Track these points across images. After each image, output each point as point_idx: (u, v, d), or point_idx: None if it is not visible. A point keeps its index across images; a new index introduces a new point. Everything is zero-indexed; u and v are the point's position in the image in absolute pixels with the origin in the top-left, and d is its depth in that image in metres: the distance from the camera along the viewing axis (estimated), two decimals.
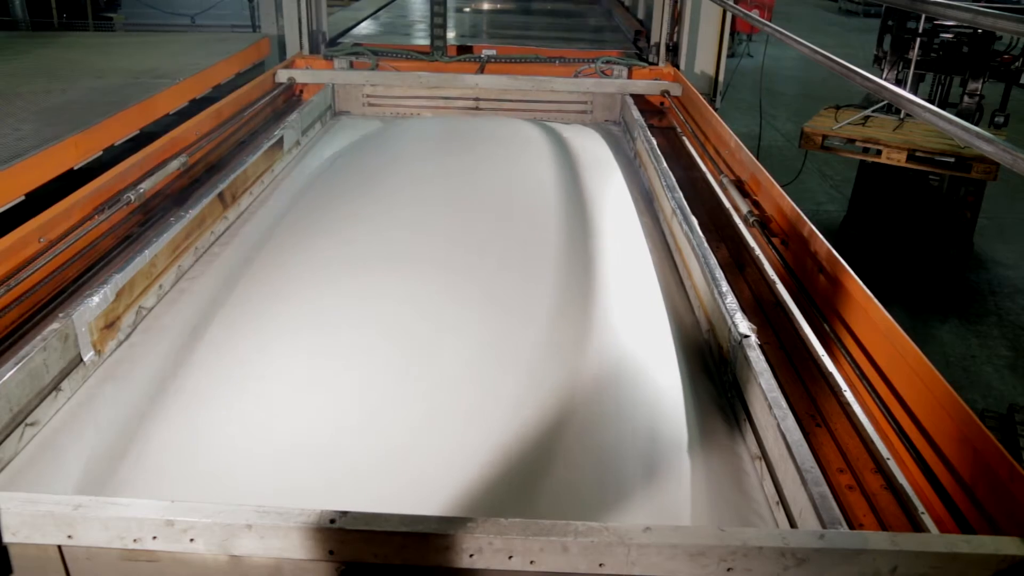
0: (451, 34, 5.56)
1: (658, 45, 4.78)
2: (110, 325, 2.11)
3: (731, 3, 4.36)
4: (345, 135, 4.10)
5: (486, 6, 8.23)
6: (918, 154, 5.68)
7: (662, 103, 4.45)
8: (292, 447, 1.71)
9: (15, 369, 1.71)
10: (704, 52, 5.46)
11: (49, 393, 1.84)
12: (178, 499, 1.24)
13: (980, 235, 6.76)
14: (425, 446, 1.71)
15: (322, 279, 2.39)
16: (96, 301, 2.02)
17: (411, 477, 1.62)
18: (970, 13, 1.90)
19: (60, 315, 1.93)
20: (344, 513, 1.21)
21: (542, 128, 4.11)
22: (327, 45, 4.92)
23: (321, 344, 2.06)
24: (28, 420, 1.77)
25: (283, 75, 4.45)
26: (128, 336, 2.19)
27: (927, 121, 1.89)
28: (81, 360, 1.97)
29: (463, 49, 4.95)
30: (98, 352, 2.04)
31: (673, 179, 2.98)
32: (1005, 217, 7.40)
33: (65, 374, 1.91)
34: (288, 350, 2.06)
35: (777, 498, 1.60)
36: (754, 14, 4.38)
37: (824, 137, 6.01)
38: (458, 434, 1.73)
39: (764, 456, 1.69)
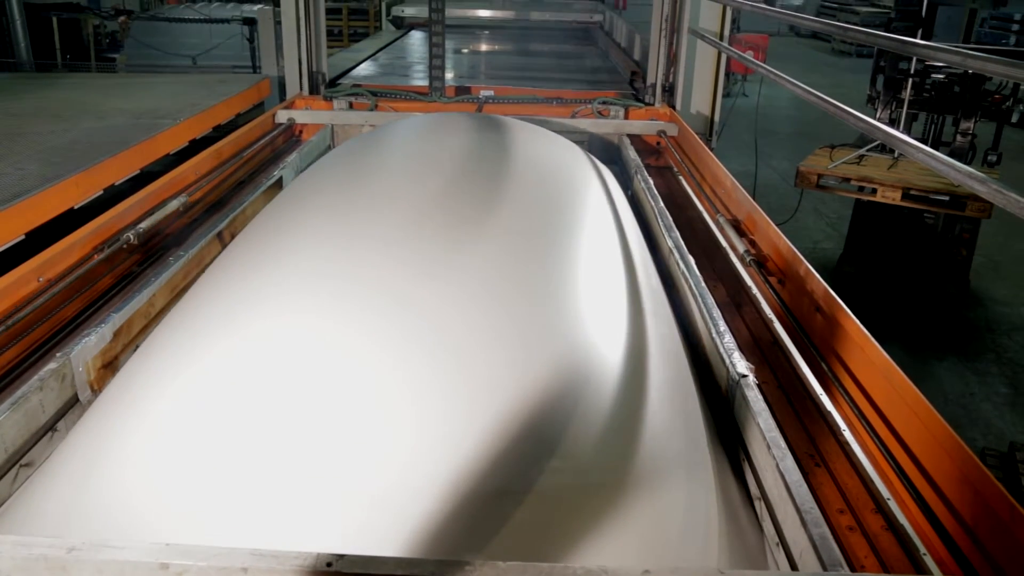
0: (449, 75, 5.63)
1: (654, 86, 4.85)
2: (107, 365, 2.10)
3: (725, 45, 4.43)
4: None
5: (484, 48, 8.35)
6: (913, 192, 5.73)
7: (659, 143, 4.49)
8: (292, 487, 1.69)
9: (11, 410, 1.71)
10: (700, 92, 5.54)
11: (45, 434, 1.84)
12: (173, 542, 1.23)
13: (976, 273, 6.79)
14: (417, 481, 1.67)
15: (312, 317, 2.30)
16: (94, 340, 2.02)
17: (403, 513, 1.59)
18: (959, 56, 1.93)
19: (57, 354, 1.93)
20: (340, 556, 1.20)
21: (542, 139, 3.77)
22: (327, 86, 4.98)
23: (317, 382, 2.03)
24: (23, 461, 1.76)
25: (283, 115, 4.50)
26: None
27: (920, 161, 1.91)
28: (78, 400, 1.96)
29: (461, 90, 5.01)
30: (95, 392, 2.03)
31: (670, 219, 3.00)
32: (1000, 255, 7.44)
33: (61, 414, 1.90)
34: (284, 389, 2.04)
35: (777, 539, 1.59)
36: (748, 55, 4.45)
37: (819, 176, 6.07)
38: (450, 468, 1.70)
39: (763, 496, 1.68)
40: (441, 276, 2.24)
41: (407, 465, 1.73)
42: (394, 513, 1.60)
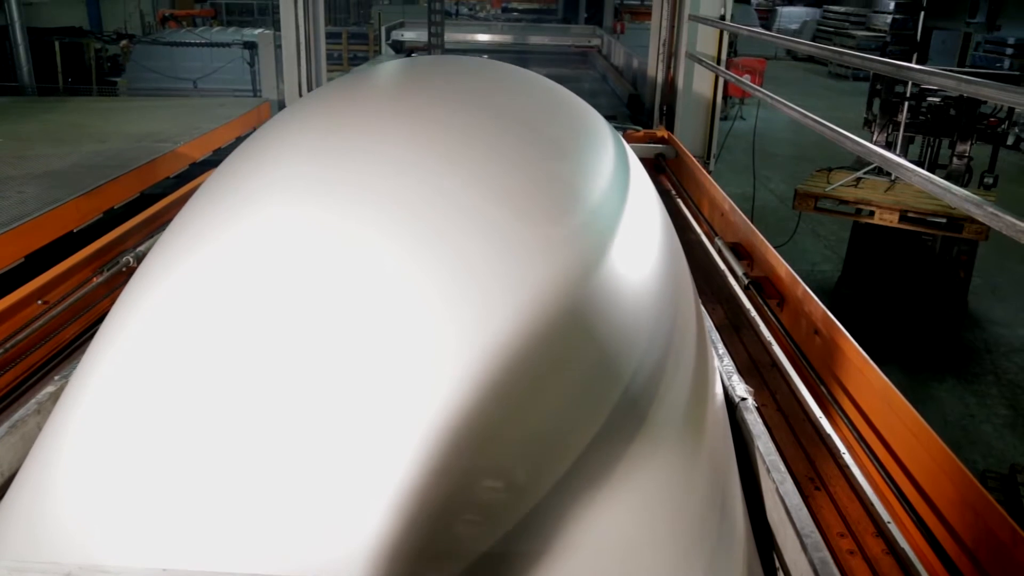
0: None
1: (652, 109, 4.88)
2: None
3: (722, 69, 4.46)
4: None
5: None
6: (910, 215, 5.76)
7: (656, 166, 4.51)
8: (283, 507, 1.67)
9: (8, 432, 1.70)
10: (697, 115, 5.57)
11: None
12: (170, 565, 1.23)
13: (974, 294, 6.80)
14: (401, 503, 1.63)
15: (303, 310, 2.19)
16: None
17: (395, 527, 1.55)
18: (954, 80, 1.95)
19: (55, 377, 1.93)
20: None
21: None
22: None
23: (301, 368, 1.91)
24: None
25: None
26: None
27: (917, 184, 1.93)
28: None
29: None
30: None
31: None
32: (998, 276, 7.45)
33: None
34: (276, 407, 1.99)
35: (777, 563, 1.58)
36: (745, 79, 4.48)
37: (817, 198, 6.09)
38: (435, 490, 1.66)
39: (763, 520, 1.67)
40: (446, 301, 1.97)
41: (400, 478, 1.70)
42: (394, 519, 1.58)
